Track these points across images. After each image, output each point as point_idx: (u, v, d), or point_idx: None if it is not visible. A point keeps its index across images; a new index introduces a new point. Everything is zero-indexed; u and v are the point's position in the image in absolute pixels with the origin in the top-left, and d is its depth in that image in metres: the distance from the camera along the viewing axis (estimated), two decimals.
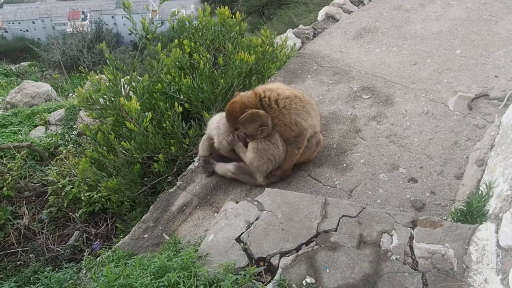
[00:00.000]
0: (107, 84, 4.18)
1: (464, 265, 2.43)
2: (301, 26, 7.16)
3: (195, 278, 2.48)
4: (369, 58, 5.09)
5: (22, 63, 18.56)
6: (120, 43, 30.84)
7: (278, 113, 3.41)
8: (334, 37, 5.64)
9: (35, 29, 56.10)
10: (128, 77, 4.31)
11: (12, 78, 14.71)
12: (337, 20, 6.64)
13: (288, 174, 3.70)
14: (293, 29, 7.17)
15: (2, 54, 24.21)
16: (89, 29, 23.67)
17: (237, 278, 2.46)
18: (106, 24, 27.03)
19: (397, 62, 4.96)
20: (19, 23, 57.70)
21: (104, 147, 4.27)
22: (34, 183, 5.15)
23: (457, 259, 2.46)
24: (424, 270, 2.45)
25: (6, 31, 49.85)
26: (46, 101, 8.98)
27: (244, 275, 2.47)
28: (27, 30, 54.18)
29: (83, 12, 57.00)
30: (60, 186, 4.90)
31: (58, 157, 5.45)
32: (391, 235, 2.67)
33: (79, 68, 5.39)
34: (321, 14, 7.22)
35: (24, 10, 59.61)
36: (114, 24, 50.59)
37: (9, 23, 57.23)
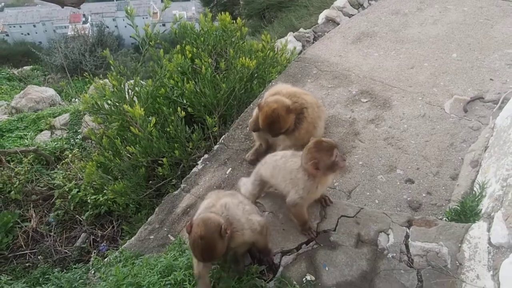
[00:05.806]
0: (112, 89, 4.28)
1: (457, 262, 2.54)
2: (301, 29, 7.27)
3: None
4: (367, 62, 5.18)
5: (24, 67, 18.64)
6: (121, 46, 30.85)
7: (310, 120, 3.51)
8: (334, 41, 5.74)
9: (36, 33, 56.22)
10: (131, 81, 4.40)
11: (15, 82, 14.81)
12: (337, 23, 6.73)
13: None
14: (293, 32, 7.28)
15: (4, 58, 24.28)
16: (90, 32, 23.68)
17: (240, 277, 2.57)
18: (107, 27, 27.05)
19: (395, 66, 5.06)
20: (20, 26, 57.80)
21: (110, 151, 4.38)
22: (41, 187, 5.26)
23: (451, 256, 2.57)
24: (419, 267, 2.57)
25: (7, 35, 49.98)
26: (50, 106, 9.08)
27: (247, 273, 2.58)
28: (28, 34, 54.36)
29: (84, 15, 56.96)
30: (67, 189, 5.01)
31: (64, 161, 5.56)
32: (388, 234, 2.78)
33: (84, 74, 5.48)
34: (321, 17, 7.32)
35: (25, 14, 59.70)
36: (115, 26, 50.65)
37: (10, 27, 57.37)
